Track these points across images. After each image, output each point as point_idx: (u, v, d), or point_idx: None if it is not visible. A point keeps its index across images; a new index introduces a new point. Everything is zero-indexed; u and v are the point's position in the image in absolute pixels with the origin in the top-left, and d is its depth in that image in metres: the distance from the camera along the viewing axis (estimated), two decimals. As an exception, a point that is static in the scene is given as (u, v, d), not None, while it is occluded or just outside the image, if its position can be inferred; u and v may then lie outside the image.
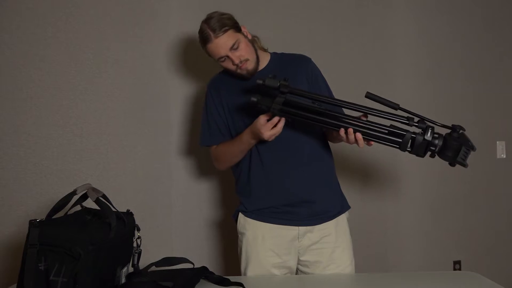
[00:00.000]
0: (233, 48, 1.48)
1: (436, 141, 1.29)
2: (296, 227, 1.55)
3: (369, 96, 1.33)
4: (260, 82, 1.36)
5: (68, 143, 2.07)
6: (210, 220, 2.30)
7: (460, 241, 2.65)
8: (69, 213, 1.21)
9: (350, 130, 1.34)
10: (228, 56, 1.48)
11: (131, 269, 1.26)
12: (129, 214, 1.27)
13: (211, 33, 1.46)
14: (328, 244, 1.56)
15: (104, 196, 1.18)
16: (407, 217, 2.58)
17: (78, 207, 1.23)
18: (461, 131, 1.29)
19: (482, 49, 2.72)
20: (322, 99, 1.39)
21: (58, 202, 1.16)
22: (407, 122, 1.32)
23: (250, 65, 1.51)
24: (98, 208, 1.16)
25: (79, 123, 2.09)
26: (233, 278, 1.34)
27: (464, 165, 1.29)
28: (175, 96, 2.26)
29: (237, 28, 1.51)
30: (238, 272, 1.64)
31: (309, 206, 1.54)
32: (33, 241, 1.04)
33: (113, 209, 1.18)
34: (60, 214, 1.18)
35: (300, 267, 1.59)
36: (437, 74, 2.65)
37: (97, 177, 2.07)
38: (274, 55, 1.65)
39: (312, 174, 1.56)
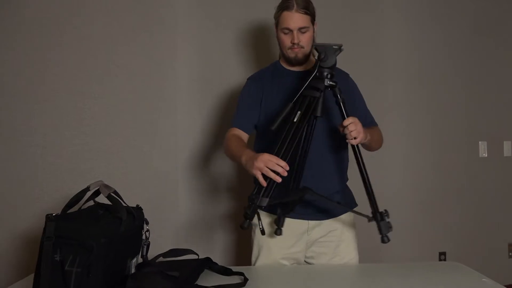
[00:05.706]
0: (301, 30, 1.55)
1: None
2: (306, 221, 1.60)
3: None
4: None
5: (81, 143, 2.15)
6: (214, 215, 2.36)
7: (445, 234, 2.71)
8: (82, 208, 1.25)
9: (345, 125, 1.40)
10: (292, 32, 1.55)
11: (140, 260, 1.31)
12: (138, 209, 1.31)
13: (295, 4, 1.54)
14: (334, 238, 1.61)
15: (115, 192, 1.22)
16: (396, 211, 2.57)
17: (91, 202, 1.26)
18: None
19: (466, 55, 2.78)
20: None
21: (72, 197, 1.20)
22: None
23: (301, 53, 1.58)
24: (110, 203, 1.21)
25: (92, 124, 2.17)
26: (236, 268, 1.39)
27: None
28: (182, 98, 2.31)
29: (313, 18, 1.59)
30: (240, 263, 1.67)
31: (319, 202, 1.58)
32: (49, 234, 1.07)
33: (124, 204, 1.21)
34: (74, 209, 1.22)
35: (306, 259, 1.64)
36: (425, 79, 2.71)
37: (108, 174, 2.14)
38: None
39: (327, 171, 1.61)
